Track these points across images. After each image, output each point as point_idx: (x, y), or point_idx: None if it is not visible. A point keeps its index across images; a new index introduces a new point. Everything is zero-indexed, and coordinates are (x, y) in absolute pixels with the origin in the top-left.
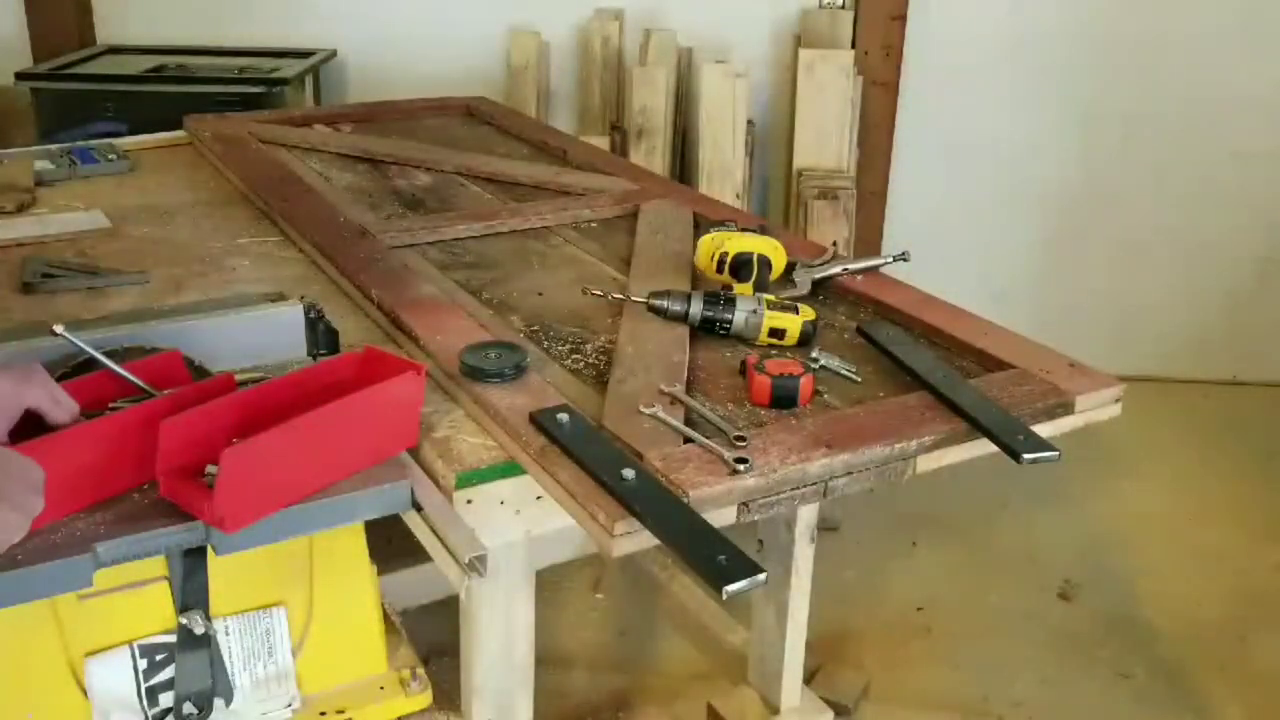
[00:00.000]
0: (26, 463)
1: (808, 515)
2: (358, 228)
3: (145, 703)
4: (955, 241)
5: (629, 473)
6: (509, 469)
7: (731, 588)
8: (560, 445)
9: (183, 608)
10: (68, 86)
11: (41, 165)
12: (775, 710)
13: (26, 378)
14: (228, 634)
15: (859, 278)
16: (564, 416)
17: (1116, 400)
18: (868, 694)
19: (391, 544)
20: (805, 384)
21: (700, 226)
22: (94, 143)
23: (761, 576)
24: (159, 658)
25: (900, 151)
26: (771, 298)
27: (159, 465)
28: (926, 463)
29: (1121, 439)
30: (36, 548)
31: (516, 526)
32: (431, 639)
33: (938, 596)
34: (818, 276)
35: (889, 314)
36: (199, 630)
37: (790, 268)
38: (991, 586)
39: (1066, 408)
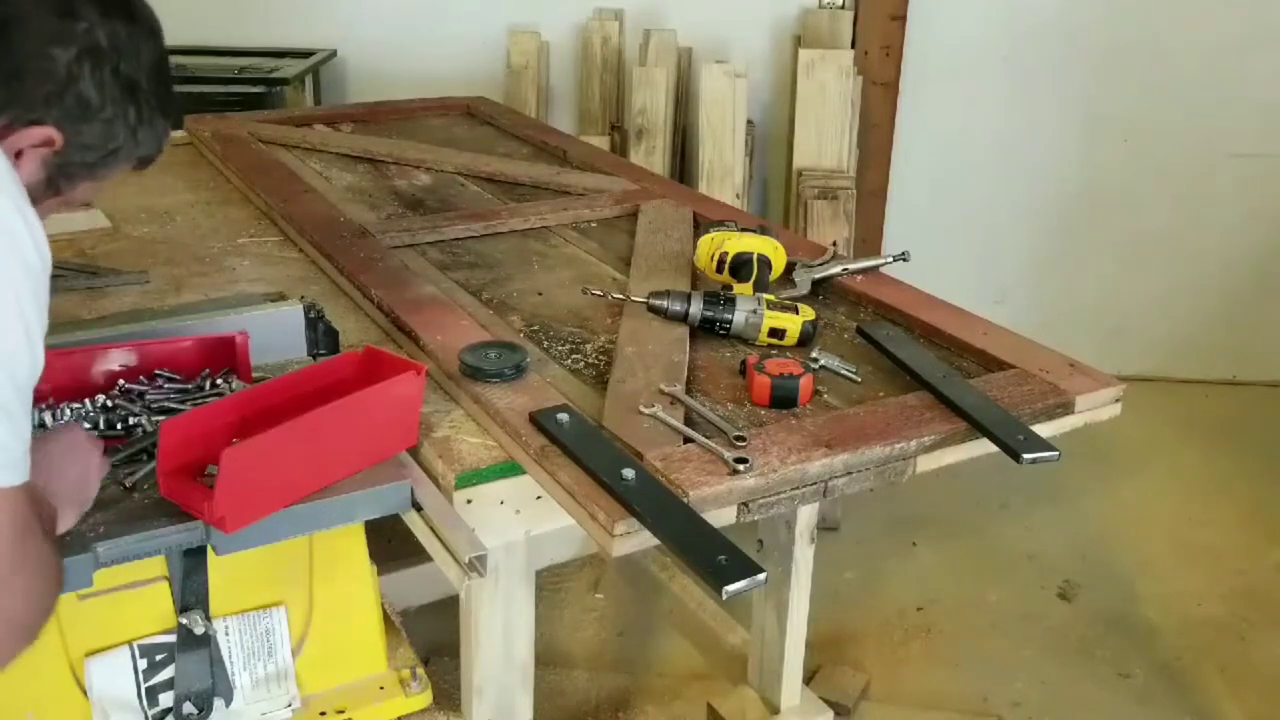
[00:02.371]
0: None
1: (808, 515)
2: (358, 228)
3: (145, 703)
4: (955, 241)
5: (629, 473)
6: (509, 469)
7: (731, 588)
8: (560, 445)
9: (183, 608)
10: None
11: None
12: (775, 710)
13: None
14: (228, 634)
15: (859, 278)
16: (564, 416)
17: (1116, 400)
18: (868, 694)
19: (391, 544)
20: (805, 384)
21: (700, 226)
22: None
23: (761, 576)
24: (159, 658)
25: (900, 151)
26: (771, 298)
27: (159, 465)
28: (926, 463)
29: (1121, 439)
30: None
31: (516, 526)
32: (431, 639)
33: (938, 596)
34: (818, 276)
35: (889, 314)
36: (199, 630)
37: (790, 268)
38: (991, 586)
39: (1066, 408)
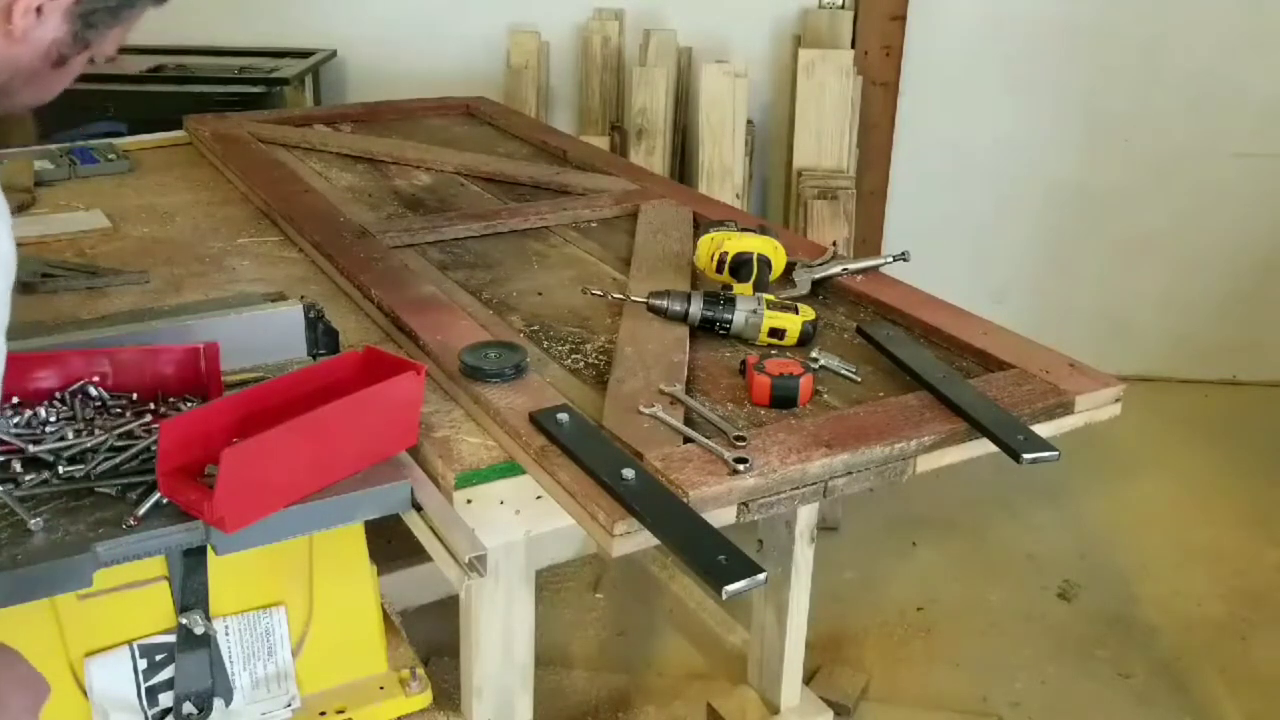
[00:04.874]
0: (32, 674)
1: (808, 515)
2: (358, 228)
3: (145, 703)
4: (955, 241)
5: (629, 473)
6: (509, 469)
7: (731, 588)
8: (560, 445)
9: (183, 608)
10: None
11: (41, 165)
12: (775, 710)
13: None
14: (228, 634)
15: (859, 278)
16: (564, 416)
17: (1116, 400)
18: (868, 694)
19: (391, 544)
20: (805, 384)
21: (700, 226)
22: (94, 143)
23: (761, 576)
24: (159, 658)
25: (900, 151)
26: (771, 298)
27: (159, 465)
28: (926, 463)
29: (1121, 439)
30: (37, 548)
31: (516, 526)
32: (431, 639)
33: (938, 596)
34: (818, 276)
35: (889, 314)
36: (199, 630)
37: (790, 268)
38: (991, 586)
39: (1066, 408)
